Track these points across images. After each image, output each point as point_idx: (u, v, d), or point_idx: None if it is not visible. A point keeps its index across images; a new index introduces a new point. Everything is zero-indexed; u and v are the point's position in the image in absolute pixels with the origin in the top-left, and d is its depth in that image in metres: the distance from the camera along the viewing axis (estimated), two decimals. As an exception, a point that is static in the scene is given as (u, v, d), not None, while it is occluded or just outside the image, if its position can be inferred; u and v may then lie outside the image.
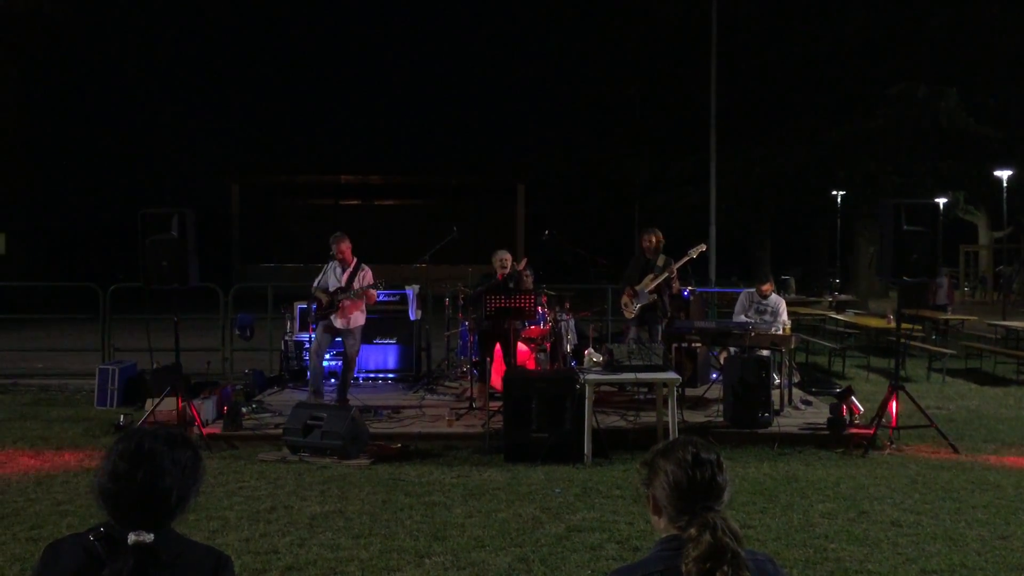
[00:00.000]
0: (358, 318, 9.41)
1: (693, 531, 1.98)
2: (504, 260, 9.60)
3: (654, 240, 9.76)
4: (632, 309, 9.66)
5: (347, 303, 9.23)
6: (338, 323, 9.29)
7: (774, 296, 10.20)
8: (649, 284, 9.55)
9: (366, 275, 9.38)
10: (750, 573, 1.97)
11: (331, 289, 9.32)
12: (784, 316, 10.08)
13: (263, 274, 32.73)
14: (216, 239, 33.20)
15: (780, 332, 9.67)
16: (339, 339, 9.57)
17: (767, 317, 9.93)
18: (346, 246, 9.43)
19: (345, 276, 9.33)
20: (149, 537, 1.99)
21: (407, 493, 6.62)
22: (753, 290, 10.30)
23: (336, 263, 9.44)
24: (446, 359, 11.88)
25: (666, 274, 9.50)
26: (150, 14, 40.62)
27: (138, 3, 38.90)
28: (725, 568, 1.92)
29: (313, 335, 9.60)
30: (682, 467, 2.08)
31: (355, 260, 9.47)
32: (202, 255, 8.54)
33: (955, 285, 19.92)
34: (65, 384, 11.66)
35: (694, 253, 9.75)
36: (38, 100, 32.56)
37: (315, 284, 9.52)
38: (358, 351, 9.69)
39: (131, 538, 1.98)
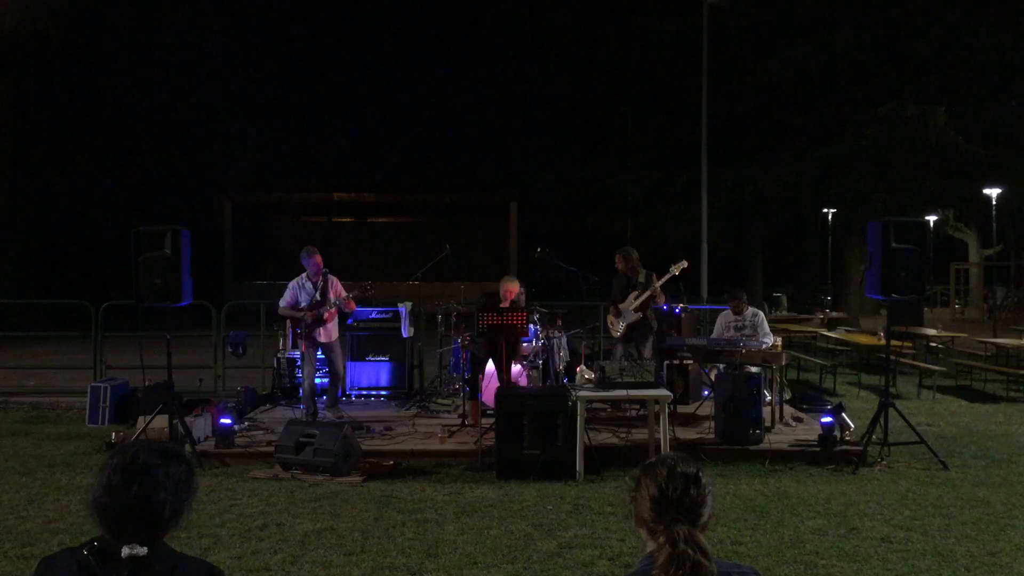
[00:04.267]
0: (335, 330, 9.60)
1: (661, 540, 2.08)
2: (506, 291, 9.63)
3: (623, 263, 9.85)
4: (618, 328, 9.74)
5: (327, 314, 9.34)
6: (322, 337, 9.41)
7: (749, 310, 10.26)
8: (633, 302, 9.64)
9: (336, 284, 9.58)
10: None
11: (307, 304, 9.39)
12: (766, 327, 10.12)
13: (256, 291, 32.61)
14: (209, 256, 33.11)
15: (770, 344, 9.72)
16: (321, 355, 9.67)
17: (747, 332, 9.98)
18: (320, 256, 9.57)
19: (319, 290, 9.43)
20: (143, 550, 2.01)
21: (399, 510, 6.62)
22: (728, 309, 10.37)
23: (304, 278, 9.49)
24: (438, 376, 11.89)
25: (649, 292, 9.59)
26: (143, 31, 40.74)
27: (131, 20, 38.99)
28: None
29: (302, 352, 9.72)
30: (657, 481, 2.16)
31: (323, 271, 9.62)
32: (195, 272, 8.55)
33: None
34: (57, 402, 11.63)
35: (676, 270, 9.83)
36: (30, 117, 32.54)
37: (287, 304, 9.53)
38: (345, 361, 9.87)
39: (125, 551, 2.00)
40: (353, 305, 9.70)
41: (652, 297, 9.62)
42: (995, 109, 23.00)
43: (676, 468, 2.17)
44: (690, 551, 2.02)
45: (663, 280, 9.71)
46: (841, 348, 16.03)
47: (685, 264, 10.03)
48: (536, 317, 10.42)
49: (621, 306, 9.69)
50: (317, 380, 10.48)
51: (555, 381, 10.12)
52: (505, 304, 9.53)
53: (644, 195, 30.14)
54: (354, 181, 40.93)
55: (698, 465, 2.23)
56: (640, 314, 9.63)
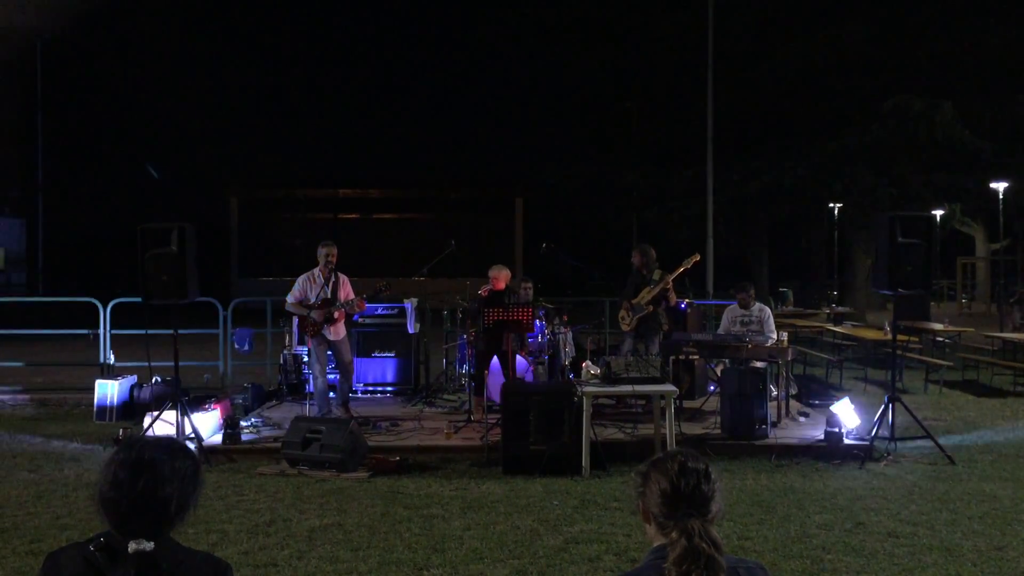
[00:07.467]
0: (343, 327, 9.58)
1: (674, 535, 2.09)
2: (495, 277, 9.71)
3: (639, 258, 9.88)
4: (629, 321, 9.75)
5: (337, 314, 9.33)
6: (331, 335, 9.36)
7: (756, 305, 10.25)
8: (645, 296, 9.65)
9: (347, 284, 9.53)
10: None
11: (316, 301, 9.34)
12: (772, 324, 10.11)
13: (262, 288, 32.65)
14: (215, 253, 33.19)
15: (776, 340, 9.70)
16: (330, 351, 9.64)
17: (754, 327, 9.96)
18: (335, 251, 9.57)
19: (330, 286, 9.40)
20: (149, 545, 2.02)
21: (405, 506, 6.64)
22: (735, 304, 10.36)
23: (318, 272, 9.45)
24: (444, 372, 11.90)
25: (661, 285, 9.59)
26: (149, 28, 40.75)
27: (136, 17, 39.00)
28: (701, 572, 2.02)
29: (309, 348, 9.69)
30: (668, 476, 2.17)
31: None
32: (201, 269, 8.56)
33: None
34: (64, 398, 11.67)
35: (688, 264, 9.84)
36: (36, 116, 32.63)
37: (296, 300, 9.46)
38: (352, 357, 9.89)
39: (131, 546, 2.01)
40: (364, 306, 9.69)
41: (665, 293, 9.65)
42: (1002, 103, 22.92)
43: (687, 463, 2.18)
44: (705, 545, 2.04)
45: (675, 274, 9.73)
46: (847, 343, 15.99)
47: (697, 258, 10.05)
48: (542, 313, 10.43)
49: (634, 301, 9.72)
50: (328, 377, 10.50)
51: (561, 377, 10.12)
52: (485, 291, 9.59)
53: (650, 190, 30.11)
54: (360, 177, 40.94)
55: (707, 460, 2.24)
56: (651, 307, 9.64)
